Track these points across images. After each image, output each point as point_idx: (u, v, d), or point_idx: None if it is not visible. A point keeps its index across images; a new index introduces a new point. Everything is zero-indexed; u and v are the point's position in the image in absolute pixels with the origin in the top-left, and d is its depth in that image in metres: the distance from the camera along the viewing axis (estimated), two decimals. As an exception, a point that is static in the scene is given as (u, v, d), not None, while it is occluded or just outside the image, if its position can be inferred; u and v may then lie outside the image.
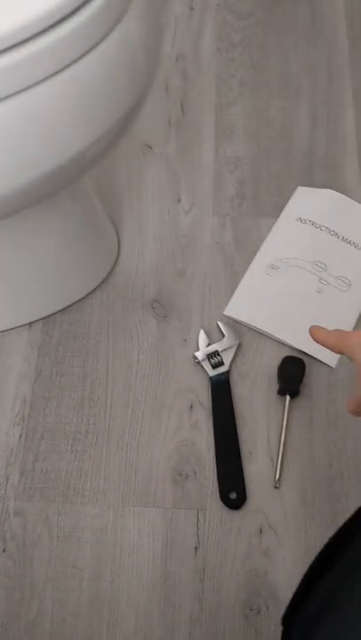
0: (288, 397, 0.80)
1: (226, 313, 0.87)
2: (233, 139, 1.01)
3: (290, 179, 0.98)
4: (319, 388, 0.82)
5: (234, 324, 0.86)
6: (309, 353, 0.83)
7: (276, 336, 0.84)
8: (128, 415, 0.81)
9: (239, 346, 0.85)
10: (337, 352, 0.52)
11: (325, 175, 0.98)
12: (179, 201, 0.95)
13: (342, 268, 0.89)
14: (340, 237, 0.91)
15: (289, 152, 1.00)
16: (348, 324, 0.86)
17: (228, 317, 0.87)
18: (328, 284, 0.87)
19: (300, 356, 0.83)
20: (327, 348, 0.54)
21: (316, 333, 0.56)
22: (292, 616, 0.42)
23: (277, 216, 0.94)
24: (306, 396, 0.81)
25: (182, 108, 1.03)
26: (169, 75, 1.06)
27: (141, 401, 0.81)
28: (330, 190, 0.95)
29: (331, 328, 0.81)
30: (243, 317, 0.86)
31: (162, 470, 0.78)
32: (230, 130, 1.02)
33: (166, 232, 0.93)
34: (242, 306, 0.87)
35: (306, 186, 0.97)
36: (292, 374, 0.81)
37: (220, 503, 0.76)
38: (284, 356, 0.83)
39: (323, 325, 0.82)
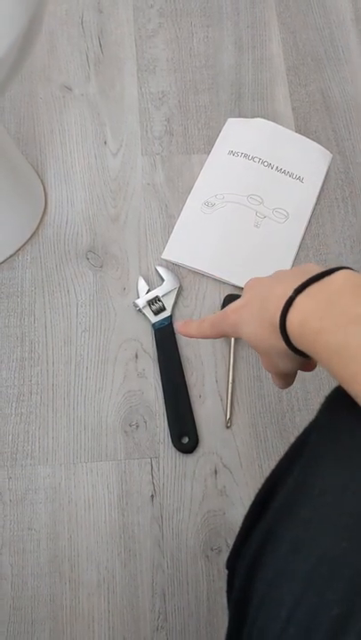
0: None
1: (164, 257, 0.84)
2: (156, 73, 0.95)
3: (219, 110, 0.93)
4: (264, 323, 0.81)
5: (173, 268, 0.83)
6: None
7: (217, 275, 0.82)
8: (72, 371, 0.78)
9: (180, 289, 0.82)
10: (225, 336, 0.52)
11: (255, 103, 0.94)
12: (105, 143, 0.91)
13: (279, 200, 0.86)
14: (275, 167, 0.88)
15: (216, 82, 0.95)
16: (288, 257, 0.84)
17: (167, 261, 0.84)
18: (265, 217, 0.85)
19: (241, 294, 0.81)
20: (206, 338, 0.54)
21: (186, 330, 0.54)
22: (235, 559, 0.42)
23: (209, 151, 0.90)
24: (251, 334, 0.80)
25: (100, 44, 0.97)
26: (83, 8, 0.99)
27: (84, 355, 0.79)
28: (260, 119, 0.92)
29: (272, 261, 0.80)
30: (181, 260, 0.83)
31: (112, 423, 0.76)
32: (153, 64, 0.96)
33: (95, 177, 0.89)
34: (179, 248, 0.84)
35: (236, 116, 0.93)
36: (236, 312, 0.80)
37: (172, 449, 0.75)
38: (225, 295, 0.81)
39: (263, 260, 0.80)
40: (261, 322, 0.43)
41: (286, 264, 0.83)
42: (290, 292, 0.39)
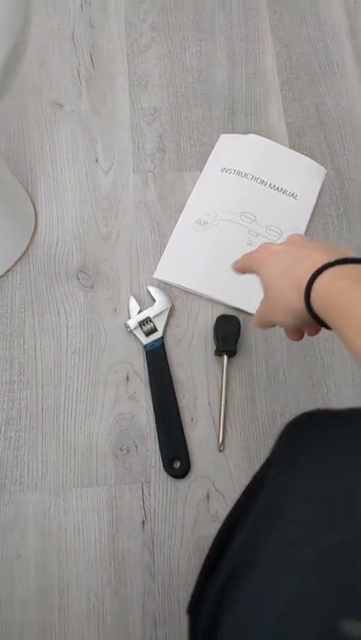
0: (225, 357, 0.78)
1: (156, 276, 0.83)
2: (148, 88, 0.95)
3: (212, 126, 0.92)
4: (257, 343, 0.80)
5: (165, 287, 0.82)
6: (243, 308, 0.80)
7: (209, 295, 0.81)
8: (62, 394, 0.77)
9: (172, 309, 0.81)
10: (248, 272, 0.56)
11: (249, 118, 0.93)
12: (96, 161, 0.90)
13: (272, 217, 0.85)
14: (268, 184, 0.87)
15: (209, 97, 0.94)
16: None
17: (159, 280, 0.83)
18: (258, 234, 0.84)
19: (234, 314, 0.80)
20: (242, 272, 0.59)
21: (235, 266, 0.59)
22: (197, 604, 0.41)
23: (202, 168, 0.89)
24: (244, 354, 0.79)
25: (92, 59, 0.96)
26: (74, 22, 0.98)
27: (74, 378, 0.78)
28: (253, 135, 0.91)
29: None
30: (173, 279, 0.82)
31: (102, 447, 0.75)
32: (145, 79, 0.95)
33: (86, 195, 0.88)
34: (171, 267, 0.83)
35: (230, 132, 0.92)
36: (228, 333, 0.79)
37: (164, 474, 0.74)
38: (218, 316, 0.80)
39: (256, 279, 0.79)
40: (287, 275, 0.47)
41: None
42: (325, 261, 0.43)
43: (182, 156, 0.91)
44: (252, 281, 0.81)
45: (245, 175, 0.87)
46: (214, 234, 0.84)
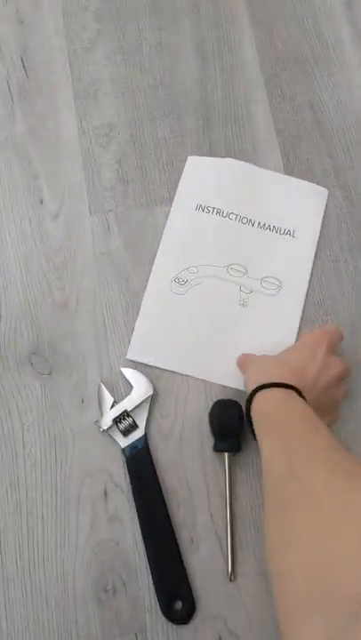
0: (227, 456, 0.61)
1: (129, 357, 0.65)
2: (99, 99, 0.75)
3: (183, 143, 0.73)
4: (265, 432, 0.63)
5: (143, 368, 0.65)
6: (243, 389, 0.63)
7: (199, 377, 0.64)
8: (23, 524, 0.60)
9: (154, 396, 0.64)
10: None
11: (229, 128, 0.74)
12: (41, 202, 0.71)
13: (267, 266, 0.68)
14: (256, 224, 0.69)
15: (177, 105, 0.75)
16: (288, 337, 0.66)
17: (133, 362, 0.65)
18: (252, 291, 0.66)
19: (233, 398, 0.63)
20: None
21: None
22: None
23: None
24: (250, 449, 0.62)
25: (24, 66, 0.75)
26: (-2, 19, 0.77)
27: (37, 500, 0.61)
28: (231, 160, 0.72)
29: (267, 347, 0.62)
30: (151, 360, 0.65)
31: (80, 590, 0.59)
32: (93, 86, 0.75)
33: (32, 250, 0.69)
34: (147, 344, 0.65)
35: (206, 148, 0.73)
36: (228, 425, 0.62)
37: (163, 618, 0.58)
38: (214, 402, 0.63)
39: (257, 347, 0.65)
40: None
41: (288, 345, 0.64)
42: (261, 381, 0.55)
43: (150, 186, 0.72)
44: (251, 349, 0.65)
45: (228, 215, 0.69)
46: (197, 296, 0.66)
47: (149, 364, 0.65)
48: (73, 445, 0.63)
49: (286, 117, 0.75)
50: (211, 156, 0.72)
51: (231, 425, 0.62)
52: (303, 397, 0.54)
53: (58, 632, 0.58)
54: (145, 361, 0.65)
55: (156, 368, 0.65)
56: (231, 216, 0.69)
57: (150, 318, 0.66)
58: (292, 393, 0.53)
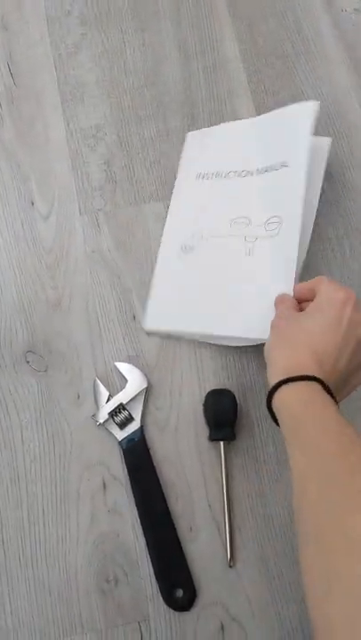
0: (223, 444, 0.62)
1: (148, 328, 0.66)
2: (85, 101, 0.76)
3: (170, 141, 0.75)
4: (259, 420, 0.64)
5: (137, 362, 0.66)
6: (262, 337, 0.60)
7: (217, 333, 0.65)
8: (24, 518, 0.61)
9: (149, 388, 0.65)
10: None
11: (214, 125, 0.75)
12: (32, 204, 0.72)
13: (268, 207, 0.67)
14: (255, 172, 0.69)
15: (162, 104, 0.76)
16: (287, 274, 0.63)
17: (152, 332, 0.66)
18: (257, 238, 0.66)
19: (227, 388, 0.64)
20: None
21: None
22: None
23: (164, 198, 0.72)
24: (245, 435, 0.63)
25: (10, 72, 0.77)
26: (-17, 27, 0.79)
27: (38, 494, 0.62)
28: (224, 124, 0.73)
29: (273, 290, 0.63)
30: (170, 325, 0.66)
31: (83, 581, 0.60)
32: (80, 89, 0.77)
33: (25, 251, 0.70)
34: (163, 312, 0.67)
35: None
36: (222, 414, 0.63)
37: (165, 606, 0.59)
38: (207, 392, 0.64)
39: (263, 295, 0.63)
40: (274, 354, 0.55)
41: (287, 286, 0.62)
42: (280, 377, 0.51)
43: (138, 185, 0.73)
44: (259, 297, 0.63)
45: (227, 175, 0.69)
46: (205, 258, 0.67)
47: (167, 329, 0.66)
48: (71, 440, 0.64)
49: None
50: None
51: (225, 414, 0.63)
52: (329, 390, 0.50)
53: (62, 624, 0.58)
54: (162, 327, 0.66)
55: (149, 357, 0.66)
56: (230, 175, 0.69)
57: (163, 288, 0.67)
58: (318, 387, 0.50)
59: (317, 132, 0.74)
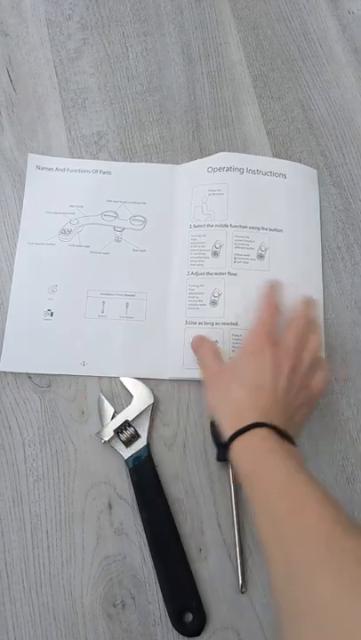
0: (230, 464, 0.60)
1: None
2: (87, 108, 0.74)
3: (173, 148, 0.72)
4: (270, 436, 0.62)
5: (144, 378, 0.64)
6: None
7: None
8: (28, 540, 0.59)
9: (155, 404, 0.63)
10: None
11: (219, 132, 0.73)
12: (33, 214, 0.70)
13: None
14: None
15: (165, 110, 0.74)
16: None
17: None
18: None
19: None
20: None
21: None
22: None
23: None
24: (255, 453, 0.61)
25: (10, 78, 0.75)
26: (-18, 32, 0.77)
27: (41, 515, 0.60)
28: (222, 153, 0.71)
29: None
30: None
31: (89, 606, 0.58)
32: (81, 95, 0.74)
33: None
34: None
35: (196, 152, 0.72)
36: (231, 431, 0.61)
37: (174, 632, 0.57)
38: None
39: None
40: (221, 406, 0.54)
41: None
42: (238, 426, 0.50)
43: (142, 193, 0.71)
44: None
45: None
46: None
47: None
48: (75, 458, 0.62)
49: (276, 118, 0.74)
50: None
51: (235, 430, 0.60)
52: (275, 427, 0.50)
53: (68, 650, 0.56)
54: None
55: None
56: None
57: None
58: (264, 432, 0.49)
59: (324, 135, 0.72)
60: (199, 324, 0.64)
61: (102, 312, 0.65)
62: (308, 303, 0.60)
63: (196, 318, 0.64)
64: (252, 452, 0.49)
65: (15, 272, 0.66)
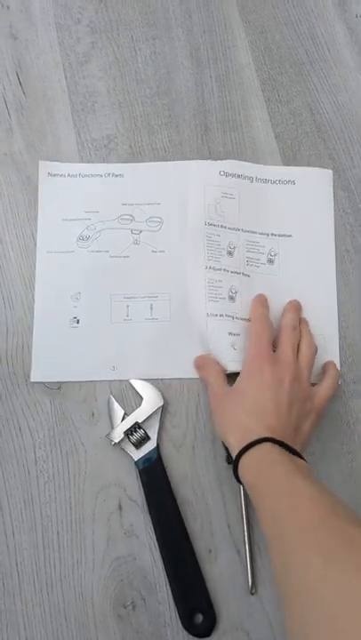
0: (242, 464, 0.60)
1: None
2: (96, 111, 0.74)
3: (182, 151, 0.73)
4: (279, 438, 0.62)
5: (153, 379, 0.64)
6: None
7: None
8: (39, 542, 0.60)
9: (164, 406, 0.63)
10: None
11: (227, 135, 0.74)
12: (43, 217, 0.70)
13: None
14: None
15: (174, 113, 0.75)
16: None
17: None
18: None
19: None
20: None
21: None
22: None
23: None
24: (264, 455, 0.62)
25: (20, 82, 0.75)
26: (-8, 36, 0.77)
27: (52, 516, 0.60)
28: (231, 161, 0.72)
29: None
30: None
31: (99, 606, 0.58)
32: (91, 99, 0.75)
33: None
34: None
35: (205, 156, 0.72)
36: (241, 433, 0.61)
37: (184, 632, 0.57)
38: (225, 410, 0.62)
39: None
40: (229, 425, 0.57)
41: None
42: (242, 444, 0.53)
43: (151, 196, 0.71)
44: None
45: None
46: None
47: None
48: (85, 460, 0.62)
49: (285, 121, 0.74)
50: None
51: (244, 433, 0.61)
52: (281, 442, 0.52)
53: (78, 650, 0.57)
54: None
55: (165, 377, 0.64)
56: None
57: None
58: (269, 447, 0.52)
59: (332, 138, 0.73)
60: (220, 315, 0.64)
61: (127, 316, 0.65)
62: (294, 307, 0.63)
63: (217, 310, 0.64)
64: (257, 464, 0.51)
65: (37, 282, 0.66)
